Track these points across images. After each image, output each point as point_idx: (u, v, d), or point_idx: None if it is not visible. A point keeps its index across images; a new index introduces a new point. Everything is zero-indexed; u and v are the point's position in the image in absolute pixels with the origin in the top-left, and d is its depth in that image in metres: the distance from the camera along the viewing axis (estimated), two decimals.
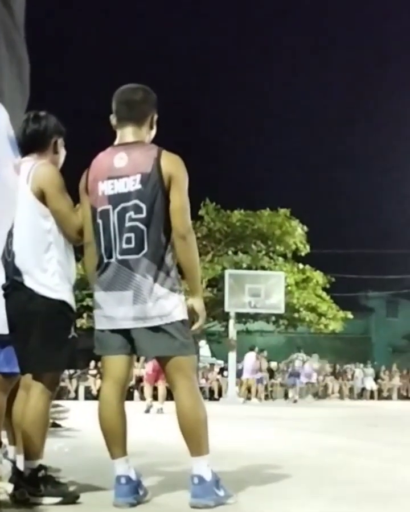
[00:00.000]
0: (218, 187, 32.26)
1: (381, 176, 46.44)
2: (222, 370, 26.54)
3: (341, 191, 47.35)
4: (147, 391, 15.12)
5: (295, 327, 29.85)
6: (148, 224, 3.56)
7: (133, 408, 7.50)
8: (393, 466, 5.45)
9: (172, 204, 3.57)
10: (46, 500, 3.52)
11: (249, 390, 23.72)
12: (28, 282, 3.66)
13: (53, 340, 3.64)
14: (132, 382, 18.57)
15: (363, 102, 52.19)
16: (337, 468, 5.20)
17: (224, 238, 28.18)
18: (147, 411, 13.76)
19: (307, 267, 28.73)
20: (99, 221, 3.65)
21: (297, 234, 27.86)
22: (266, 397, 24.94)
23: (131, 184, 3.59)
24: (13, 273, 3.69)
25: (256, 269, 27.13)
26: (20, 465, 3.68)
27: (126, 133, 3.75)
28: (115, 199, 3.61)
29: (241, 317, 27.17)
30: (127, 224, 3.58)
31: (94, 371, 22.96)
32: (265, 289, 24.17)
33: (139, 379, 19.42)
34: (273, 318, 28.59)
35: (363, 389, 29.42)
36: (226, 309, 24.19)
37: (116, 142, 3.79)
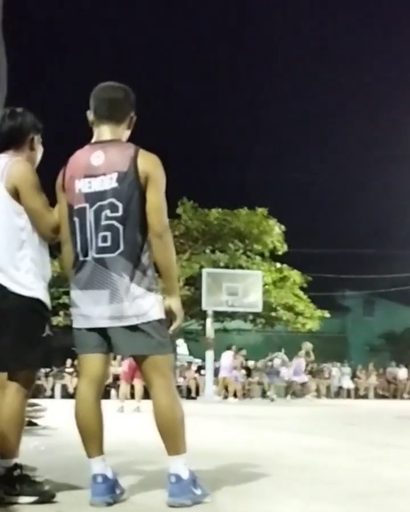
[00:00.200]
0: (196, 186, 32.22)
1: (359, 175, 46.65)
2: (199, 369, 26.53)
3: (318, 191, 47.51)
4: (123, 389, 15.09)
5: (273, 326, 29.94)
6: (125, 223, 3.54)
7: (110, 407, 7.48)
8: (371, 465, 5.46)
9: (148, 203, 3.55)
10: (22, 499, 3.49)
11: (226, 389, 23.73)
12: (2, 279, 3.62)
13: (27, 338, 3.61)
14: (109, 381, 18.52)
15: (341, 102, 52.42)
16: (315, 467, 5.20)
17: (202, 236, 28.20)
18: (121, 411, 13.70)
19: (285, 266, 28.82)
20: (76, 219, 3.63)
21: (274, 233, 27.93)
22: (244, 395, 24.95)
23: (108, 182, 3.57)
24: None
25: (234, 268, 27.16)
26: None
27: (104, 132, 3.72)
28: (92, 197, 3.59)
29: (218, 316, 27.18)
30: (104, 222, 3.56)
31: (71, 369, 22.90)
32: (242, 288, 24.20)
33: (116, 378, 19.38)
34: (251, 317, 28.64)
35: (340, 388, 29.54)
36: (204, 307, 24.19)
37: (93, 140, 3.76)
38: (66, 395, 22.14)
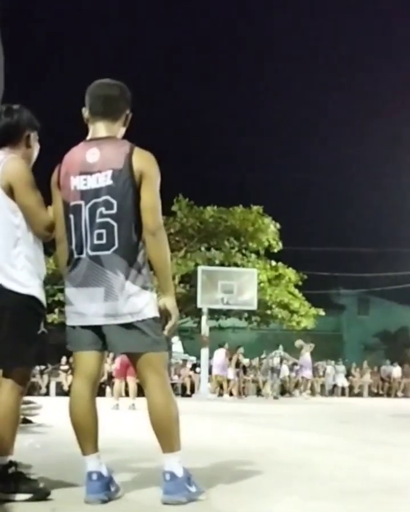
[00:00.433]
0: (192, 183, 32.22)
1: (355, 174, 46.68)
2: (194, 366, 26.54)
3: (314, 189, 47.55)
4: (117, 387, 15.08)
5: (268, 324, 29.97)
6: (119, 220, 3.53)
7: (105, 405, 7.49)
8: (366, 463, 5.47)
9: (142, 201, 3.54)
10: (17, 496, 3.48)
11: (221, 386, 23.74)
12: None
13: (22, 335, 3.60)
14: (104, 378, 18.51)
15: (337, 101, 52.42)
16: (311, 465, 5.20)
17: (197, 234, 28.20)
18: (116, 408, 13.70)
19: (280, 264, 28.84)
20: (71, 216, 3.62)
21: (270, 231, 27.95)
22: (239, 393, 24.95)
23: (103, 179, 3.56)
24: None
25: (229, 265, 27.19)
26: None
27: (99, 129, 3.71)
28: (88, 194, 3.58)
29: (213, 314, 27.22)
30: (98, 220, 3.55)
31: (66, 367, 22.88)
32: (237, 285, 24.22)
33: (111, 376, 19.37)
34: (246, 315, 28.66)
35: (334, 386, 29.59)
36: (199, 305, 24.21)
37: (88, 137, 3.75)
38: (61, 392, 22.14)
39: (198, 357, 25.94)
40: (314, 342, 25.93)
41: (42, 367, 23.01)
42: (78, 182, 3.61)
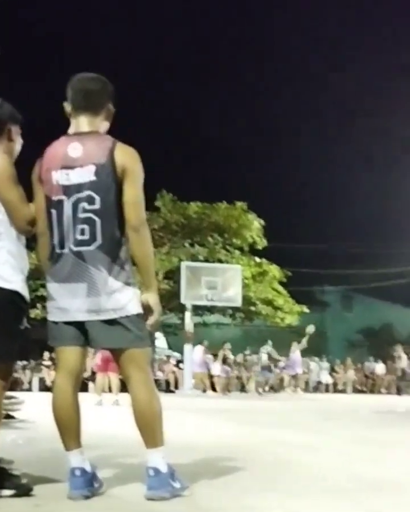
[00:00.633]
0: (175, 178, 32.17)
1: (340, 172, 46.81)
2: (178, 362, 26.55)
3: (298, 185, 47.65)
4: (100, 382, 15.02)
5: (252, 320, 29.99)
6: (102, 216, 3.51)
7: (88, 400, 7.45)
8: (349, 459, 5.47)
9: (125, 196, 3.52)
10: (0, 492, 3.46)
11: (205, 383, 23.77)
12: None
13: (5, 331, 3.57)
14: (87, 374, 18.46)
15: (322, 99, 52.52)
16: (293, 461, 5.20)
17: (181, 230, 28.17)
18: (99, 404, 13.66)
19: (264, 260, 28.85)
20: (53, 211, 3.59)
21: (254, 227, 27.94)
22: (223, 390, 24.97)
23: (86, 174, 3.53)
24: None
25: (213, 262, 27.18)
26: None
27: (81, 123, 3.68)
28: (70, 189, 3.55)
29: (197, 310, 27.21)
30: (81, 215, 3.53)
31: (48, 362, 22.82)
32: (221, 282, 24.23)
33: (94, 371, 19.33)
34: (230, 311, 28.68)
35: (318, 382, 29.67)
36: (183, 301, 24.20)
37: (70, 131, 3.72)
38: (44, 388, 22.07)
39: (182, 353, 25.94)
40: (298, 339, 25.98)
41: (25, 362, 22.99)
42: (60, 177, 3.58)
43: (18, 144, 3.95)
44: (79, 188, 3.54)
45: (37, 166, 3.71)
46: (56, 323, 3.61)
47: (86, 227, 3.52)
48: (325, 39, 54.39)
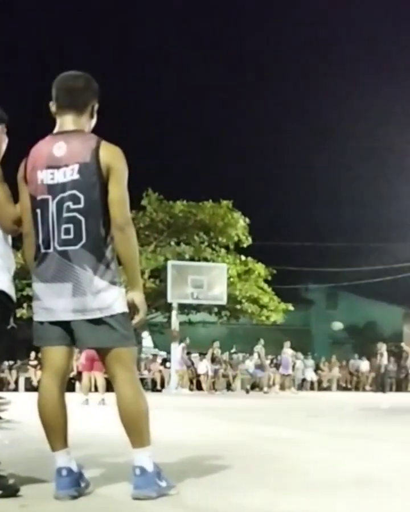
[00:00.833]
0: (161, 177, 32.16)
1: (324, 169, 46.86)
2: (164, 361, 26.53)
3: (283, 183, 47.72)
4: (85, 381, 14.97)
5: (237, 318, 30.01)
6: (87, 215, 3.50)
7: (74, 400, 7.44)
8: (335, 456, 5.50)
9: (110, 195, 3.51)
10: None
11: (190, 381, 23.79)
12: None
13: None
14: (73, 373, 18.43)
15: (308, 97, 52.58)
16: (279, 458, 5.22)
17: (167, 228, 28.16)
18: (85, 403, 13.63)
19: (249, 258, 28.88)
20: (38, 211, 3.58)
21: (239, 226, 27.96)
22: (210, 388, 25.01)
23: (70, 173, 3.52)
24: None
25: (198, 260, 27.19)
26: None
27: (66, 122, 3.67)
28: (55, 189, 3.54)
29: (183, 308, 27.21)
30: (66, 214, 3.52)
31: (35, 362, 22.74)
32: (207, 280, 24.24)
33: (80, 371, 19.31)
34: (215, 310, 28.68)
35: (303, 380, 29.74)
36: (169, 300, 24.19)
37: (55, 130, 3.71)
38: (30, 387, 21.99)
39: (168, 352, 25.93)
40: (283, 337, 26.04)
41: (11, 362, 22.90)
42: (45, 176, 3.57)
43: (3, 143, 3.94)
44: (63, 187, 3.53)
45: (22, 166, 3.70)
46: (41, 323, 3.60)
47: (71, 226, 3.51)
48: (318, 39, 54.46)
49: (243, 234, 28.11)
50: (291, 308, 29.61)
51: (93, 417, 10.30)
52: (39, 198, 3.58)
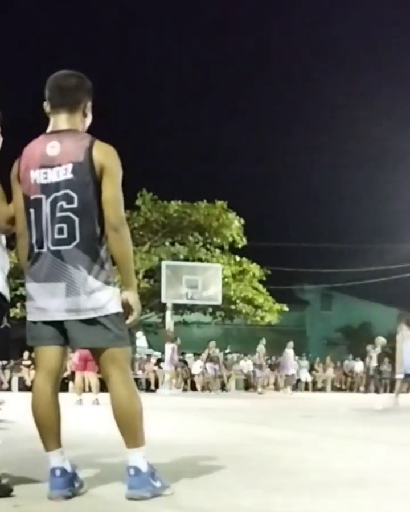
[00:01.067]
0: (156, 177, 32.12)
1: (319, 170, 46.95)
2: (159, 361, 26.50)
3: (278, 184, 47.74)
4: (78, 381, 14.92)
5: (232, 319, 30.01)
6: (80, 214, 3.49)
7: (68, 400, 7.44)
8: (329, 456, 5.50)
9: (104, 195, 3.50)
10: None
11: (185, 381, 23.76)
12: None
13: None
14: (67, 373, 18.39)
15: (302, 98, 52.62)
16: (274, 459, 5.21)
17: (161, 228, 28.13)
18: (79, 403, 13.60)
19: (244, 259, 28.88)
20: (32, 210, 3.57)
21: (234, 226, 27.95)
22: (203, 388, 25.00)
23: (63, 173, 3.51)
24: None
25: (193, 260, 27.17)
26: None
27: (59, 121, 3.66)
28: (48, 188, 3.53)
29: (178, 308, 27.19)
30: (59, 214, 3.50)
31: (28, 362, 22.68)
32: (202, 280, 24.23)
33: (73, 371, 19.26)
34: (210, 310, 28.67)
35: (298, 381, 29.72)
36: (163, 300, 24.18)
37: (49, 129, 3.70)
38: (23, 387, 21.93)
39: (162, 352, 25.89)
40: (278, 337, 26.06)
41: (5, 362, 22.81)
42: (38, 176, 3.55)
43: None
44: (57, 186, 3.51)
45: (15, 166, 3.68)
46: (35, 323, 3.59)
47: (64, 226, 3.49)
48: (312, 38, 54.52)
49: (238, 234, 28.10)
50: (286, 308, 29.60)
51: (87, 417, 10.28)
52: (32, 197, 3.56)
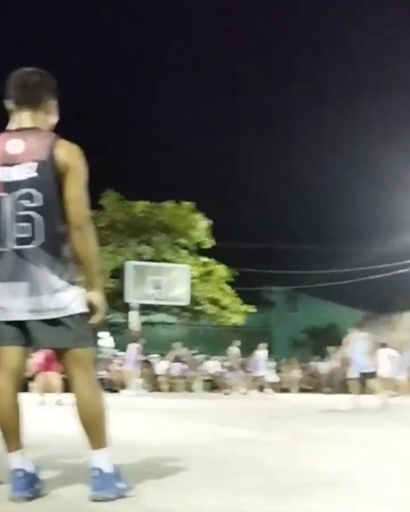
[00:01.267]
0: (121, 177, 31.95)
1: (285, 171, 47.10)
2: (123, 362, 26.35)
3: (246, 185, 47.77)
4: (41, 382, 14.81)
5: (198, 319, 30.01)
6: (43, 213, 3.44)
7: (31, 400, 7.35)
8: (295, 456, 5.49)
9: (67, 194, 3.46)
10: None
11: (150, 382, 23.69)
12: None
13: None
14: (29, 373, 18.22)
15: (267, 99, 52.77)
16: (240, 459, 5.20)
17: (127, 228, 28.01)
18: (42, 404, 13.49)
19: (210, 260, 28.89)
20: None
21: (200, 227, 27.96)
22: (170, 389, 24.95)
23: (26, 171, 3.46)
24: None
25: (159, 261, 27.11)
26: None
27: (23, 119, 3.61)
28: (10, 186, 3.47)
29: (143, 309, 27.12)
30: (22, 213, 3.44)
31: None
32: (167, 281, 24.21)
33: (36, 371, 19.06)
34: (176, 310, 28.64)
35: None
36: (127, 300, 24.10)
37: (11, 127, 3.64)
38: None
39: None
40: (244, 338, 26.08)
41: None
42: (0, 174, 3.49)
43: None
44: (19, 185, 3.46)
45: None
46: None
47: (27, 225, 3.43)
48: (262, 31, 54.63)
49: (205, 235, 28.11)
50: (252, 309, 29.67)
51: (50, 417, 10.18)
52: None
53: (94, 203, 24.33)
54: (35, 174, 3.44)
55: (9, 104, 3.66)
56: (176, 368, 24.77)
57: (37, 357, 14.86)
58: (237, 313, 28.94)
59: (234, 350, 25.27)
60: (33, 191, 3.43)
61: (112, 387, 24.20)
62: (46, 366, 14.27)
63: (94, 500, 3.34)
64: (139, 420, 10.14)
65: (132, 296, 23.91)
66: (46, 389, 14.72)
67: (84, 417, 3.45)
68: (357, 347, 14.70)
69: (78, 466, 4.24)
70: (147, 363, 25.69)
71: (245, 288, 31.50)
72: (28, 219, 3.43)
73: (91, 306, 3.53)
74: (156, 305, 27.30)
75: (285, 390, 29.55)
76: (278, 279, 41.71)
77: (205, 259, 28.84)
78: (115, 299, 24.93)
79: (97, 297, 3.55)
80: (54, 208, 3.44)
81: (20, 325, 3.46)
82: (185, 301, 24.86)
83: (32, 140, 3.50)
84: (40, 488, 3.49)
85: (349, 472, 4.62)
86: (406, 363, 21.17)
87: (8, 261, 3.46)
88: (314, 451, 5.90)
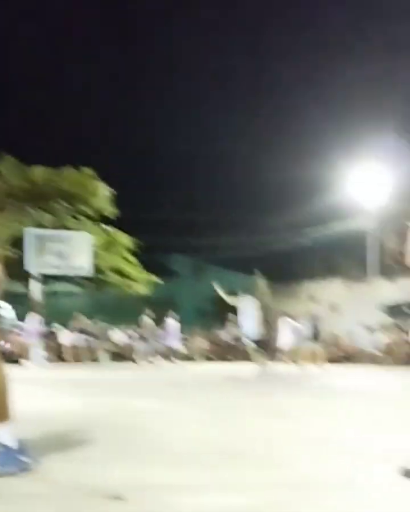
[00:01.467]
0: (16, 141, 30.74)
1: (193, 140, 46.84)
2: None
3: (151, 153, 47.34)
4: None
5: (102, 289, 29.74)
6: None
7: None
8: (201, 426, 5.50)
9: None
10: None
11: (54, 352, 23.43)
12: None
13: None
14: None
15: (174, 62, 52.18)
16: (144, 430, 5.18)
17: (25, 195, 27.21)
18: None
19: (114, 229, 28.56)
20: None
21: (102, 195, 27.50)
22: (75, 360, 24.69)
23: None
24: None
25: (60, 229, 26.55)
26: None
27: None
28: None
29: (45, 278, 26.64)
30: None
31: None
32: (69, 249, 23.76)
33: None
34: (79, 280, 28.27)
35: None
36: (28, 269, 23.57)
37: None
38: None
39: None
40: (149, 308, 25.98)
41: None
42: None
43: None
44: None
45: None
46: None
47: None
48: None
49: (106, 203, 27.66)
50: (156, 279, 29.58)
51: None
52: None
53: None
54: None
55: None
56: (81, 338, 24.53)
57: None
58: (141, 282, 28.79)
59: (147, 319, 25.15)
60: None
61: (13, 358, 23.80)
62: None
63: None
64: (43, 392, 9.96)
65: (33, 264, 23.39)
66: None
67: None
68: (246, 312, 14.45)
69: None
70: (51, 334, 25.33)
71: (150, 257, 31.38)
72: None
73: None
74: (59, 275, 26.85)
75: (190, 358, 29.71)
76: (183, 249, 41.76)
77: (107, 228, 28.43)
78: (15, 268, 24.34)
79: None
80: None
81: None
82: (88, 272, 24.49)
83: None
84: None
85: (250, 443, 4.60)
86: (307, 332, 21.50)
87: None
88: (216, 421, 5.92)
